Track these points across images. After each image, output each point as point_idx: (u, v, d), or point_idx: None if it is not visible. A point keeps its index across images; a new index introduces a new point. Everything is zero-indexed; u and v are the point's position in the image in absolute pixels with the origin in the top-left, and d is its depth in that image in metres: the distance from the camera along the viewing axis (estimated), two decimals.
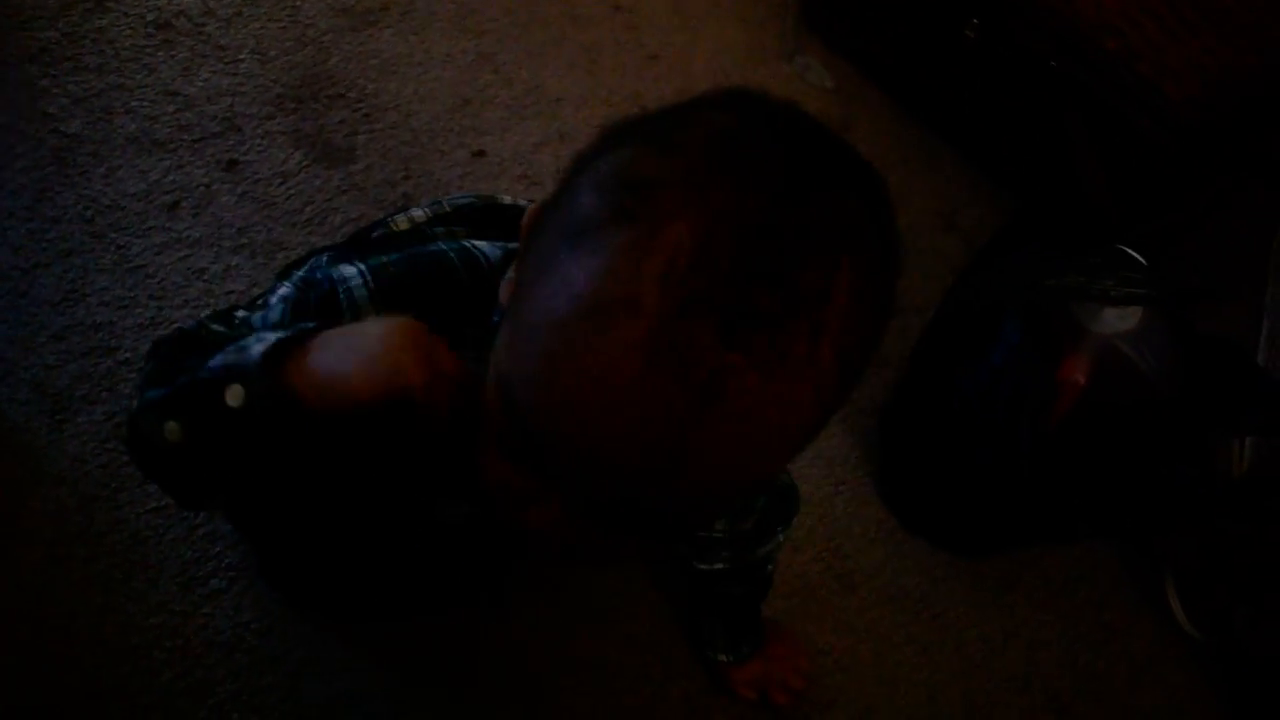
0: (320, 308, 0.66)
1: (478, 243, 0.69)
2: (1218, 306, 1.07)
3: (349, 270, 0.67)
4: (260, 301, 0.90)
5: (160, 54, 1.47)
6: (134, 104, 1.40)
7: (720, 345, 0.44)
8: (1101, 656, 1.22)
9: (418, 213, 0.80)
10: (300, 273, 0.96)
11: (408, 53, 1.54)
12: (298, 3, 1.56)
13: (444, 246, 0.69)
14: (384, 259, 0.68)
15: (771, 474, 0.52)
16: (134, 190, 1.31)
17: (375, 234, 0.82)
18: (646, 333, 0.44)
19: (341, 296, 0.65)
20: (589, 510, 0.52)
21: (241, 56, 1.48)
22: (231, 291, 1.24)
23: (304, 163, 1.38)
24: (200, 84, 1.44)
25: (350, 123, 1.44)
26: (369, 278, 0.66)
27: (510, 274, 0.60)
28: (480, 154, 1.45)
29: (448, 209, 0.81)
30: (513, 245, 0.68)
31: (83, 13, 1.49)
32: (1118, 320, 1.02)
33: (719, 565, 0.94)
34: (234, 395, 0.56)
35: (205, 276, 1.26)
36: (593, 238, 0.47)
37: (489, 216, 0.82)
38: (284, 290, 0.74)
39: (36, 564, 1.05)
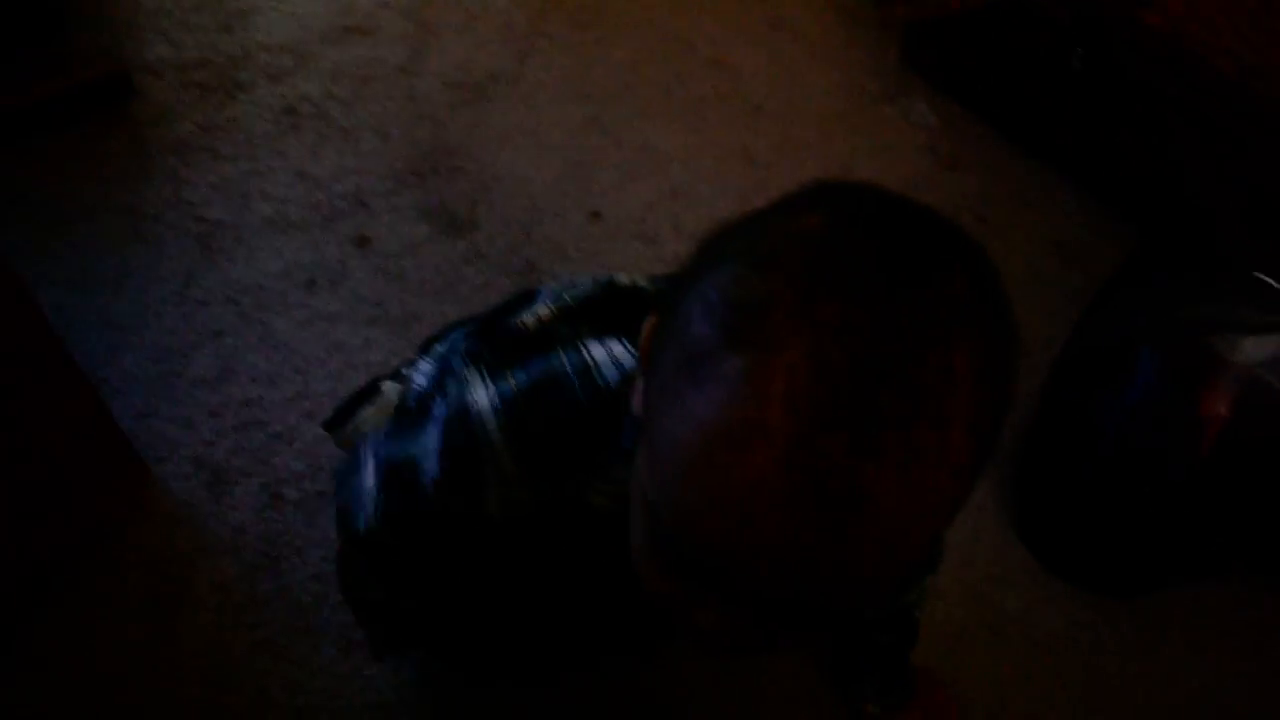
0: (466, 451, 0.72)
1: (596, 354, 0.73)
2: None
3: (485, 406, 0.72)
4: (405, 372, 0.98)
5: (289, 138, 1.54)
6: (268, 188, 1.47)
7: (853, 457, 0.45)
8: (1267, 698, 1.19)
9: (543, 310, 0.84)
10: (441, 348, 1.01)
11: (520, 122, 1.60)
12: (412, 81, 1.63)
13: (565, 363, 0.73)
14: (512, 385, 0.73)
15: (922, 557, 0.53)
16: (274, 270, 1.38)
17: (502, 331, 0.86)
18: (779, 455, 0.46)
19: (481, 440, 0.71)
20: (749, 614, 0.54)
21: (364, 136, 1.55)
22: (371, 362, 1.29)
23: (430, 234, 1.44)
24: (328, 164, 1.51)
25: (471, 193, 1.49)
26: (503, 419, 0.71)
27: (636, 395, 0.62)
28: (596, 215, 1.49)
29: (570, 303, 0.84)
30: (630, 364, 0.72)
31: (216, 105, 1.58)
32: (1258, 349, 1.00)
33: (868, 616, 0.95)
34: None
35: (345, 349, 1.31)
36: (712, 367, 0.49)
37: (609, 307, 0.85)
38: (438, 412, 0.78)
39: (206, 631, 1.10)
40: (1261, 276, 1.03)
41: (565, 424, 0.71)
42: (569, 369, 0.72)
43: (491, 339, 0.86)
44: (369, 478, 0.84)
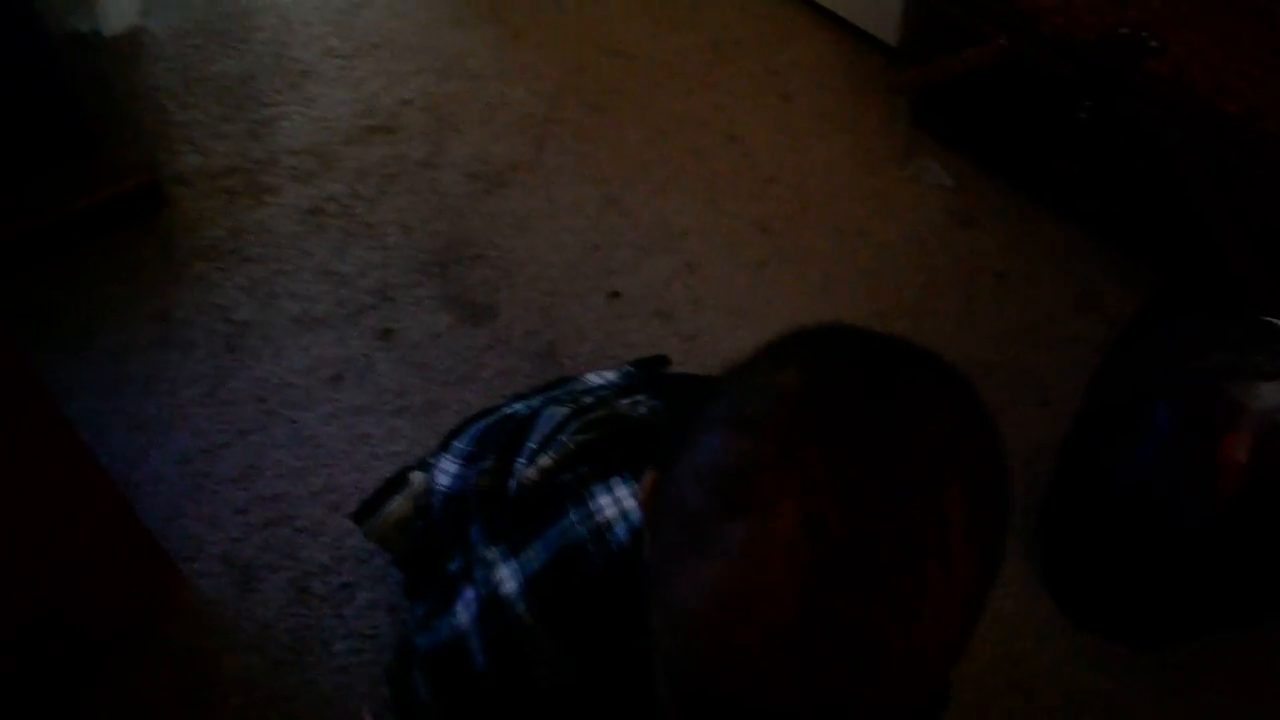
0: (504, 637, 0.77)
1: (607, 511, 0.76)
2: None
3: (512, 588, 0.76)
4: (431, 461, 1.03)
5: (315, 238, 1.59)
6: (294, 286, 1.52)
7: (860, 606, 0.46)
8: None
9: (544, 460, 0.86)
10: (460, 444, 1.03)
11: (538, 207, 1.63)
12: (434, 175, 1.67)
13: (577, 528, 0.76)
14: (534, 562, 0.77)
15: (945, 677, 0.53)
16: (300, 367, 1.41)
17: (511, 496, 0.88)
18: (789, 616, 0.47)
19: (515, 625, 0.75)
20: None
21: (388, 231, 1.59)
22: (396, 453, 1.31)
23: (452, 323, 1.46)
24: (353, 261, 1.55)
25: (491, 280, 1.52)
26: (525, 593, 0.76)
27: (647, 534, 0.63)
28: (615, 295, 1.51)
29: (571, 448, 0.86)
30: (637, 516, 0.75)
31: (243, 208, 1.63)
32: (1274, 394, 0.98)
33: None
34: None
35: (370, 441, 1.33)
36: (712, 538, 0.50)
37: (610, 447, 0.87)
38: (467, 595, 0.82)
39: None
40: (1274, 321, 1.01)
41: (587, 594, 0.75)
42: (583, 535, 0.76)
43: (503, 508, 0.89)
44: (418, 677, 0.87)
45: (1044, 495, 1.23)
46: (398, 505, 1.14)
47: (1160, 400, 1.01)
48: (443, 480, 1.01)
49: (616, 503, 0.76)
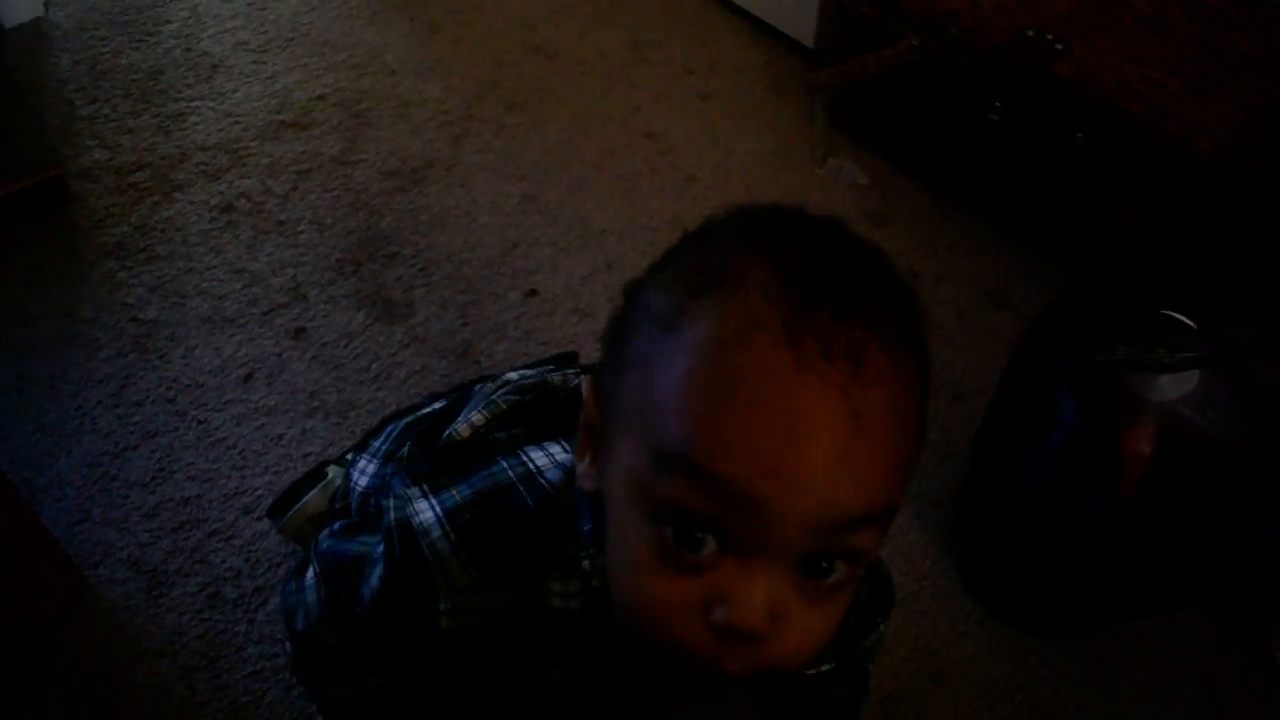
0: (409, 563, 0.70)
1: (538, 460, 0.72)
2: (1278, 357, 1.05)
3: (428, 517, 0.71)
4: (350, 457, 1.03)
5: (226, 235, 1.56)
6: (205, 285, 1.48)
7: (843, 322, 0.50)
8: None
9: (476, 417, 0.84)
10: (378, 443, 1.02)
11: (455, 205, 1.61)
12: (348, 171, 1.65)
13: (508, 469, 0.72)
14: (455, 497, 0.71)
15: (910, 460, 0.55)
16: (210, 367, 1.38)
17: (439, 446, 0.86)
18: (778, 337, 0.50)
19: (426, 551, 0.69)
20: (770, 530, 0.52)
21: (301, 228, 1.56)
22: (310, 454, 1.29)
23: (367, 322, 1.45)
24: (265, 259, 1.52)
25: (407, 278, 1.51)
26: (448, 527, 0.70)
27: (582, 466, 0.63)
28: (533, 293, 1.50)
29: (503, 407, 0.85)
30: (569, 461, 0.71)
31: (151, 205, 1.59)
32: (1175, 385, 1.01)
33: (826, 667, 0.91)
34: None
35: (283, 442, 1.31)
36: (688, 312, 0.53)
37: (543, 410, 0.86)
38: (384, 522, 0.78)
39: None
40: (1172, 314, 1.04)
41: (514, 528, 0.70)
42: (512, 475, 0.72)
43: (430, 455, 0.87)
44: (311, 574, 0.83)
45: (958, 489, 1.25)
46: (313, 500, 1.13)
47: (1065, 394, 1.04)
48: (361, 481, 0.99)
49: (550, 456, 0.73)
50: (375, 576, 0.72)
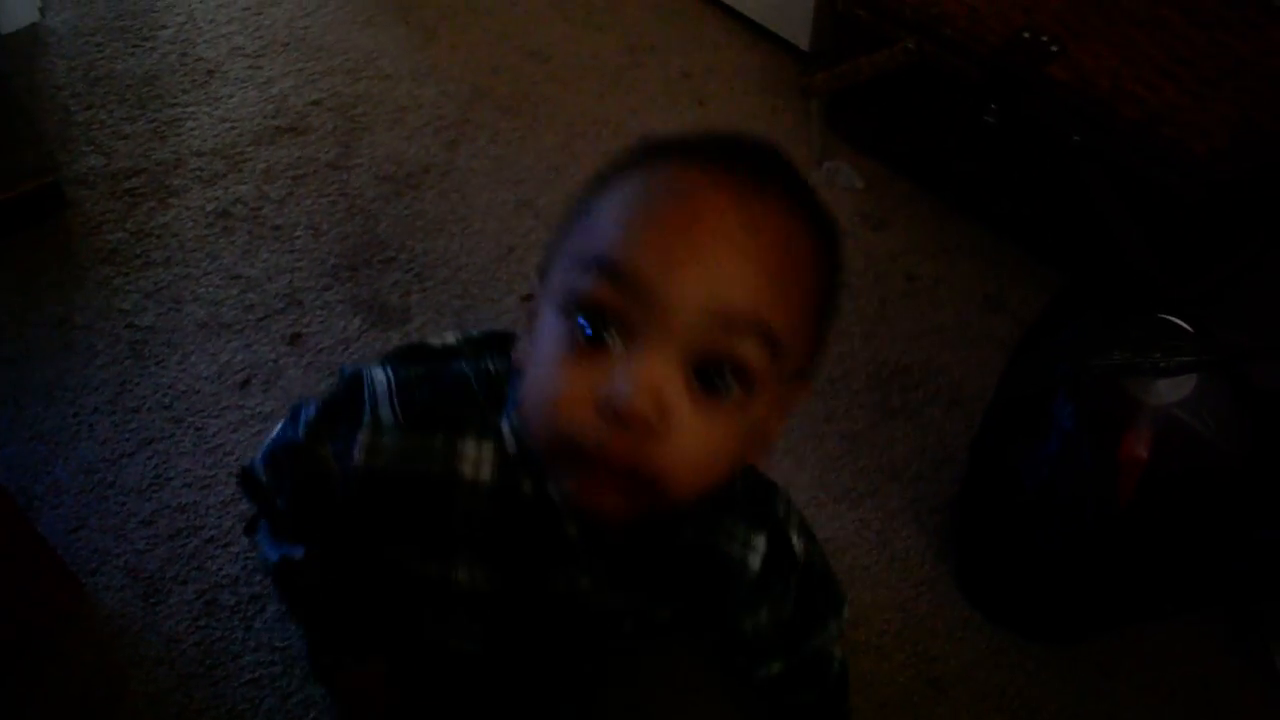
0: (347, 395, 0.74)
1: (493, 363, 0.75)
2: (1275, 359, 1.05)
3: (379, 373, 0.74)
4: None
5: (222, 241, 1.55)
6: (201, 291, 1.48)
7: (746, 160, 0.60)
8: None
9: (450, 336, 0.85)
10: None
11: (451, 210, 1.61)
12: (344, 176, 1.65)
13: (464, 366, 0.75)
14: (411, 371, 0.74)
15: (810, 312, 0.62)
16: (207, 373, 1.38)
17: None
18: (695, 164, 0.59)
19: (365, 389, 0.72)
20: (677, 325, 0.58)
21: (297, 234, 1.56)
22: None
23: (363, 327, 1.44)
24: (261, 264, 1.52)
25: (403, 283, 1.50)
26: (393, 380, 0.73)
27: (521, 344, 0.68)
28: (528, 298, 1.49)
29: (476, 335, 0.86)
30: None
31: (147, 211, 1.59)
32: (1172, 389, 1.01)
33: (777, 668, 0.89)
34: None
35: None
36: (618, 175, 0.62)
37: (511, 341, 0.87)
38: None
39: None
40: (1168, 318, 1.04)
41: (450, 389, 0.73)
42: (467, 370, 0.74)
43: (399, 354, 0.88)
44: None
45: (956, 494, 1.25)
46: None
47: (1062, 399, 1.04)
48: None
49: (507, 363, 0.75)
50: (314, 405, 0.77)
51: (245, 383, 1.37)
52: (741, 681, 0.91)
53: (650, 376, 0.56)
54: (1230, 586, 1.10)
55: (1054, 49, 1.44)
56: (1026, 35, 1.46)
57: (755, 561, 0.76)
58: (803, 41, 1.86)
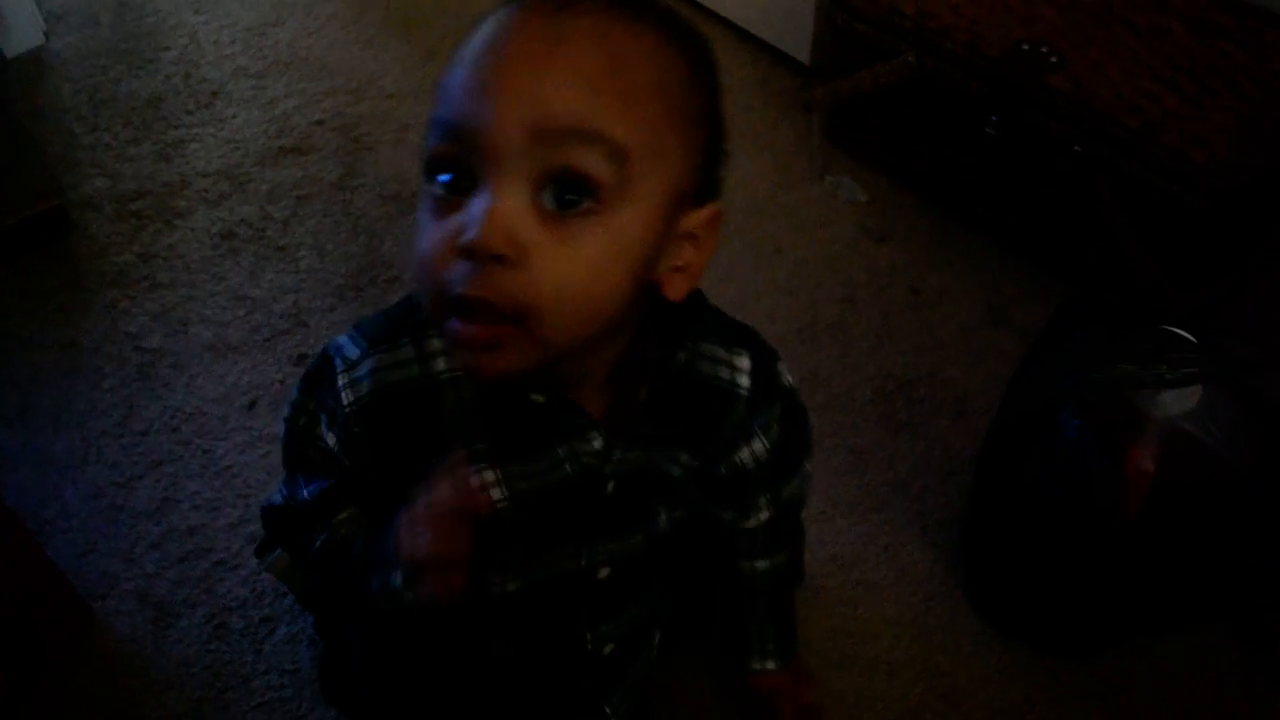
0: (319, 364, 0.78)
1: None
2: None
3: (340, 336, 0.77)
4: None
5: (227, 262, 1.56)
6: (207, 312, 1.49)
7: None
8: None
9: None
10: None
11: None
12: (348, 196, 1.65)
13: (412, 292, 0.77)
14: (367, 316, 0.79)
15: (657, 112, 0.62)
16: (214, 395, 1.39)
17: None
18: (515, 9, 0.61)
19: (332, 350, 0.76)
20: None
21: (301, 254, 1.57)
22: None
23: None
24: (266, 285, 1.52)
25: None
26: (353, 329, 0.77)
27: None
28: None
29: None
30: None
31: (153, 233, 1.60)
32: (1178, 401, 1.01)
33: (764, 515, 0.94)
34: None
35: None
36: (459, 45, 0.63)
37: None
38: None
39: None
40: (1173, 330, 1.04)
41: (404, 307, 0.76)
42: (414, 292, 0.78)
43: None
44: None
45: (964, 508, 1.25)
46: None
47: (1068, 412, 1.04)
48: None
49: None
50: (295, 389, 0.82)
51: (252, 404, 1.38)
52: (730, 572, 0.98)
53: (493, 210, 0.57)
54: (1241, 598, 1.10)
55: (1053, 60, 1.44)
56: (1026, 46, 1.46)
57: (744, 380, 0.81)
58: (803, 55, 1.87)
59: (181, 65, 1.90)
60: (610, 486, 0.78)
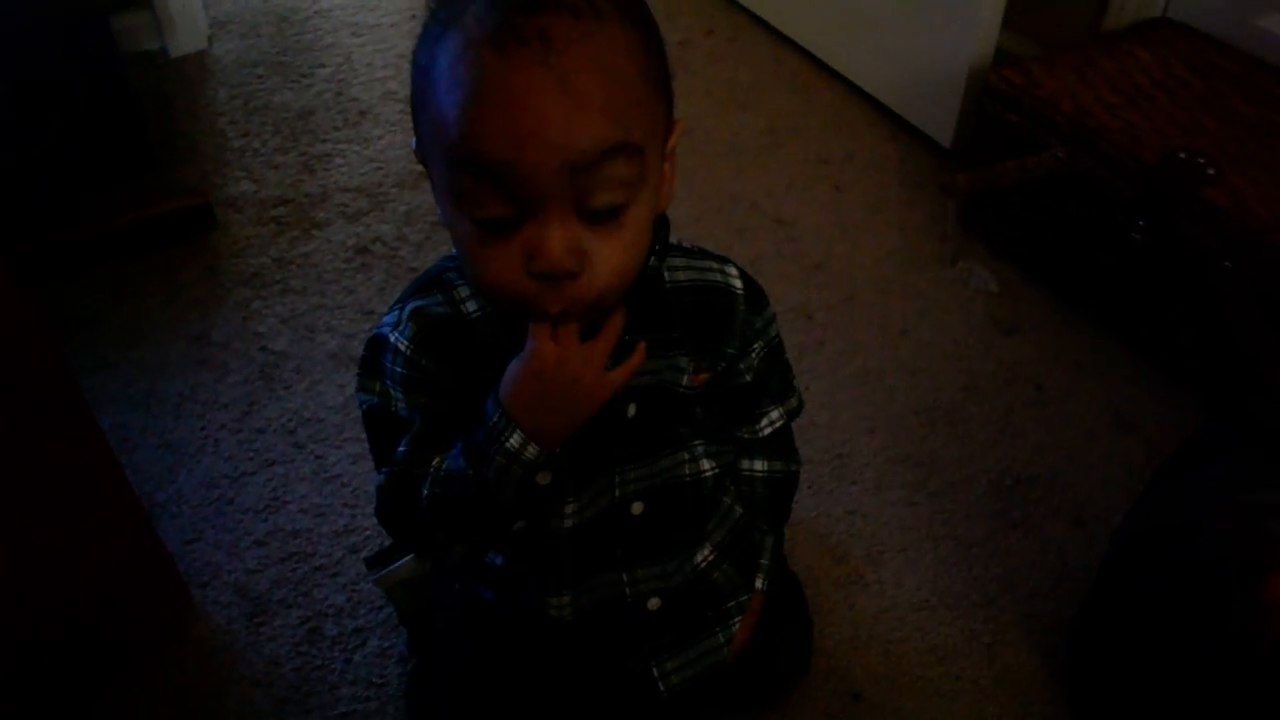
0: (372, 341, 0.84)
1: None
2: None
3: (389, 317, 0.83)
4: None
5: (359, 276, 1.59)
6: (335, 322, 1.51)
7: (531, 15, 0.63)
8: None
9: None
10: None
11: None
12: None
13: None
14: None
15: (643, 96, 0.68)
16: (332, 403, 1.40)
17: None
18: (490, 44, 0.63)
19: (384, 325, 0.83)
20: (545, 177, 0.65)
21: None
22: None
23: None
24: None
25: None
26: (389, 312, 0.84)
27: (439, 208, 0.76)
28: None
29: None
30: None
31: (291, 240, 1.64)
32: None
33: (779, 420, 1.00)
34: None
35: None
36: (433, 54, 0.67)
37: None
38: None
39: None
40: None
41: (437, 270, 0.85)
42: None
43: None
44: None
45: (1075, 616, 1.21)
46: (405, 563, 1.12)
47: (1206, 534, 1.00)
48: None
49: None
50: (356, 385, 0.88)
51: None
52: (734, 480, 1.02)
53: (557, 236, 0.66)
54: None
55: (1210, 171, 1.41)
56: (1183, 155, 1.43)
57: (737, 283, 0.90)
58: (945, 138, 1.86)
59: (334, 83, 1.96)
60: (631, 410, 0.84)
